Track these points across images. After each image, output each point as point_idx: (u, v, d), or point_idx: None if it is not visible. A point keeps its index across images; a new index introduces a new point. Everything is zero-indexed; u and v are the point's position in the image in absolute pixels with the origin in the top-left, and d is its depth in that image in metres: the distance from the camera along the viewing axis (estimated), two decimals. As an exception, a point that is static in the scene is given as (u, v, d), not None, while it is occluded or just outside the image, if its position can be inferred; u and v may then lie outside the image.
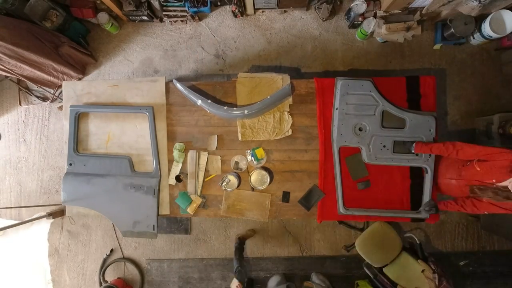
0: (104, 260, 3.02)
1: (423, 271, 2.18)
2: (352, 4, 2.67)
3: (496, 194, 1.66)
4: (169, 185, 2.27)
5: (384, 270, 2.34)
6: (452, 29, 2.55)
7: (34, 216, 2.88)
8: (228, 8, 2.97)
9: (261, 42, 2.99)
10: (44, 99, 3.08)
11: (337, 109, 2.18)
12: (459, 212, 2.83)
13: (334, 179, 2.20)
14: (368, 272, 2.51)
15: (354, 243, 2.46)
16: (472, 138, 2.82)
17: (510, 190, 1.62)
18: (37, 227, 3.07)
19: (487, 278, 2.84)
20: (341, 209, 2.18)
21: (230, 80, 2.34)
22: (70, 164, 2.28)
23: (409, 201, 2.20)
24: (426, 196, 2.14)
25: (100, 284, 2.96)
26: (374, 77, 2.19)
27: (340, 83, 2.16)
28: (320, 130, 2.21)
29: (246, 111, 2.10)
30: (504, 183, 1.64)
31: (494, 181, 1.68)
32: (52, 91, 3.01)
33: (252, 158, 2.20)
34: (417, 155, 2.11)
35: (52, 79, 2.83)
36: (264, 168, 2.24)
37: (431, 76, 2.20)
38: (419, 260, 2.24)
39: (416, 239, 2.38)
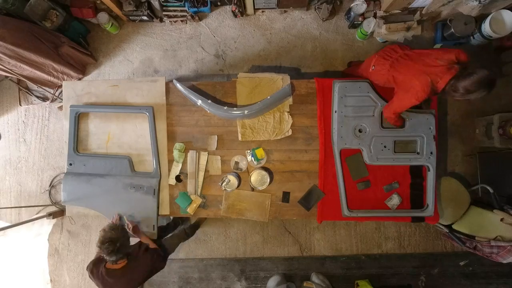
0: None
1: (502, 219, 2.13)
2: (352, 4, 2.67)
3: None
4: (169, 185, 2.26)
5: (454, 226, 2.31)
6: (452, 29, 2.55)
7: (34, 216, 2.87)
8: (228, 8, 2.97)
9: (261, 42, 2.99)
10: (44, 99, 3.08)
11: (335, 112, 2.18)
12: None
13: (336, 180, 2.20)
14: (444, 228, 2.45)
15: None
16: (472, 138, 2.83)
17: None
18: (37, 227, 3.07)
19: (487, 278, 2.84)
20: (346, 212, 2.18)
21: (230, 80, 2.33)
22: (70, 164, 2.28)
23: (409, 201, 2.20)
24: (430, 194, 2.15)
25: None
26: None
27: (337, 85, 2.17)
28: (320, 130, 2.21)
29: (246, 111, 2.10)
30: None
31: None
32: (52, 91, 3.01)
33: (252, 158, 2.19)
34: (418, 153, 2.12)
35: (52, 79, 2.83)
36: (264, 168, 2.24)
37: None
38: (495, 210, 2.19)
39: (489, 188, 2.32)
